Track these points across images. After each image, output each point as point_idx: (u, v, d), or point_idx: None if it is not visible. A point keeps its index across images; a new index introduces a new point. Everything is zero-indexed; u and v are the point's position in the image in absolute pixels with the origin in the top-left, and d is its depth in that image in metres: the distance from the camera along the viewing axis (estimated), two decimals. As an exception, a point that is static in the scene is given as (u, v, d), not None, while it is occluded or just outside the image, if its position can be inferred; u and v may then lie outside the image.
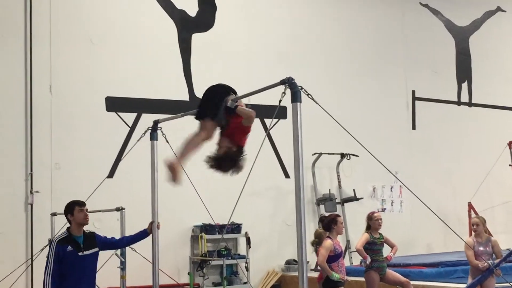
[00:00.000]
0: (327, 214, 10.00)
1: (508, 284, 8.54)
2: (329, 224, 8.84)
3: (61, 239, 6.89)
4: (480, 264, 8.71)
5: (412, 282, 10.55)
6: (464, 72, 16.13)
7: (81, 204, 7.03)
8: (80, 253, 6.87)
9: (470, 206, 14.60)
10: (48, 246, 7.39)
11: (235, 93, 6.05)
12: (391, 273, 9.50)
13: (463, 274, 10.47)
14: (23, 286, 10.72)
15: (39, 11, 11.40)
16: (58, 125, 11.42)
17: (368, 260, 9.15)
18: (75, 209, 6.96)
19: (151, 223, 7.57)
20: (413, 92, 15.22)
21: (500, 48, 16.71)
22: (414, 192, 6.44)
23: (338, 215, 9.07)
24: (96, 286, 7.23)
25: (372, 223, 9.44)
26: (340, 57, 14.34)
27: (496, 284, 9.01)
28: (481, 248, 8.86)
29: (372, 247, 9.29)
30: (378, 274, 9.28)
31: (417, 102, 15.23)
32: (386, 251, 9.51)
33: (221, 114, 5.85)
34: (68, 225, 7.13)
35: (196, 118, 6.06)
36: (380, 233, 9.48)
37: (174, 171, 5.66)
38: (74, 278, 6.80)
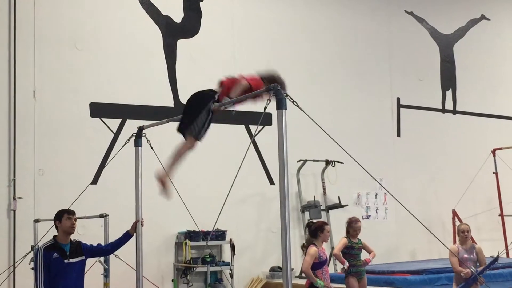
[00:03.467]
0: (315, 220, 10.03)
1: (492, 291, 8.59)
2: (315, 231, 8.85)
3: (47, 246, 6.89)
4: (463, 272, 8.73)
5: (396, 290, 10.61)
6: (448, 79, 16.20)
7: (70, 212, 7.04)
8: (66, 261, 6.86)
9: (454, 213, 14.65)
10: (31, 253, 7.35)
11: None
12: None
13: (447, 282, 10.51)
14: (5, 293, 10.65)
15: (23, 16, 11.33)
16: (42, 131, 11.35)
17: (346, 264, 9.23)
18: (63, 216, 6.97)
19: (135, 223, 7.55)
20: (398, 99, 15.26)
21: (484, 56, 16.80)
22: (399, 199, 6.45)
23: (325, 223, 9.10)
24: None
25: (352, 229, 9.51)
26: (326, 64, 14.35)
27: (480, 292, 9.05)
28: (466, 255, 8.89)
29: (350, 251, 9.39)
30: (356, 278, 9.35)
31: (402, 109, 15.28)
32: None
33: (201, 131, 5.95)
34: (54, 233, 7.12)
35: (177, 131, 6.18)
36: (358, 239, 9.57)
37: (164, 184, 5.78)
38: (61, 285, 6.77)
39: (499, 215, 15.08)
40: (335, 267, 12.62)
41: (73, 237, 7.17)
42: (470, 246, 9.08)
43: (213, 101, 6.13)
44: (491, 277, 10.67)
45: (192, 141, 6.15)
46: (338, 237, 12.52)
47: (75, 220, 7.02)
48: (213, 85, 12.73)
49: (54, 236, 7.03)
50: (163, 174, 5.88)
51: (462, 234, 9.11)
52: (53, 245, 6.88)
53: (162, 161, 7.28)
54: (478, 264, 8.98)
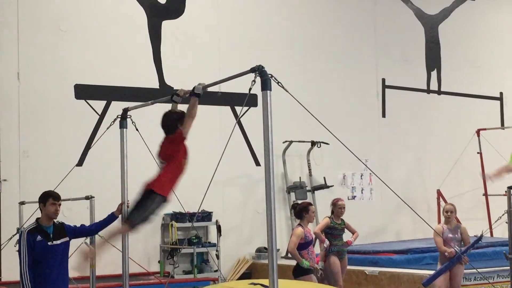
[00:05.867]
0: (300, 201, 10.07)
1: (475, 270, 8.67)
2: (300, 212, 8.91)
3: (30, 229, 6.87)
4: (447, 251, 8.80)
5: (381, 269, 10.71)
6: (433, 60, 16.23)
7: (55, 197, 6.99)
8: (49, 243, 6.85)
9: (439, 194, 14.74)
10: (17, 236, 7.33)
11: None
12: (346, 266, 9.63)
13: (431, 261, 10.60)
14: (-9, 275, 10.64)
15: (6, -3, 11.25)
16: (26, 113, 11.29)
17: (326, 243, 9.32)
18: (48, 200, 6.94)
19: (121, 205, 7.55)
20: (383, 80, 15.29)
21: (469, 36, 16.82)
22: (384, 180, 6.48)
23: (310, 204, 9.15)
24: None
25: (336, 210, 9.61)
26: (311, 45, 14.34)
27: (465, 271, 9.13)
28: (450, 235, 8.96)
29: (333, 231, 9.47)
30: (337, 258, 9.42)
31: (387, 90, 15.31)
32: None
33: (141, 222, 6.03)
34: (38, 215, 7.10)
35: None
36: (342, 219, 9.65)
37: (88, 259, 6.06)
38: (45, 268, 6.78)
39: (483, 195, 15.18)
40: (320, 248, 12.68)
41: (58, 218, 7.15)
42: (455, 225, 9.14)
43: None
44: (475, 256, 10.76)
45: (127, 228, 6.33)
46: (323, 217, 12.62)
47: (59, 206, 6.99)
48: (198, 67, 12.74)
49: (37, 219, 7.01)
50: (90, 251, 6.19)
51: (446, 214, 9.18)
52: (36, 228, 6.87)
53: (147, 142, 7.28)
54: (462, 243, 9.05)
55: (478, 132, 15.10)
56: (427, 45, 16.19)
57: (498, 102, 17.09)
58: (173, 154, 6.21)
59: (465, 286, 9.68)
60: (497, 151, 14.30)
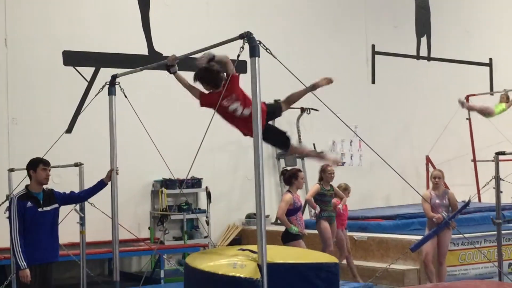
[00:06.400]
0: (289, 168, 10.12)
1: (462, 236, 8.75)
2: (289, 179, 8.95)
3: (20, 195, 6.87)
4: (434, 217, 8.87)
5: (370, 235, 10.80)
6: (423, 26, 16.19)
7: (46, 163, 6.99)
8: (40, 209, 6.86)
9: (428, 160, 14.81)
10: (6, 203, 7.35)
11: None
12: (339, 232, 9.73)
13: (420, 226, 10.68)
14: (-19, 242, 10.66)
15: (-7, -38, 11.11)
16: (14, 80, 11.23)
17: (317, 209, 9.39)
18: (39, 166, 6.92)
19: (110, 171, 7.56)
20: (373, 46, 15.25)
21: (458, 2, 16.77)
22: (373, 146, 6.50)
23: (299, 170, 9.20)
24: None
25: (325, 176, 9.66)
26: (300, 11, 14.27)
27: (452, 236, 9.22)
28: (438, 201, 9.01)
29: (323, 198, 9.54)
30: (328, 222, 9.50)
31: (376, 56, 15.28)
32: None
33: None
34: (27, 182, 7.09)
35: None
36: (331, 185, 9.69)
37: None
38: (35, 234, 6.79)
39: (471, 161, 15.27)
40: (310, 214, 12.76)
41: (48, 187, 7.16)
42: (443, 191, 9.20)
43: None
44: (463, 221, 10.87)
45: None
46: (312, 184, 12.66)
47: (49, 171, 6.99)
48: (187, 32, 12.65)
49: (27, 185, 7.01)
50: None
51: (434, 180, 9.22)
52: (26, 195, 6.87)
53: (136, 109, 7.27)
54: (450, 209, 9.12)
55: (467, 98, 15.11)
56: (417, 10, 16.13)
57: (488, 68, 17.09)
58: (243, 95, 6.04)
59: (452, 251, 9.79)
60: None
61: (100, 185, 7.51)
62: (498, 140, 14.57)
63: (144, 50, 12.39)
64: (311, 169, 12.86)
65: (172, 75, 6.39)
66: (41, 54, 11.48)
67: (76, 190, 7.71)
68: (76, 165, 8.44)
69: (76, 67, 11.79)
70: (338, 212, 9.71)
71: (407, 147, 15.39)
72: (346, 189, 10.13)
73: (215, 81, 6.02)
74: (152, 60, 10.74)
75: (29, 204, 6.82)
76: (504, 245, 9.35)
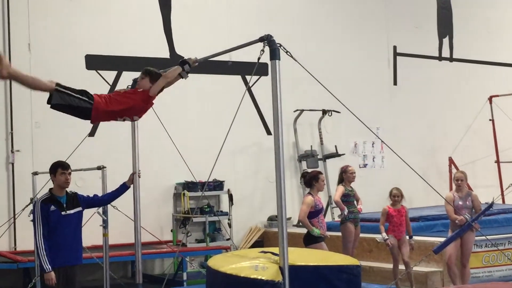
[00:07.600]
0: (309, 170, 10.08)
1: (485, 237, 8.68)
2: (310, 181, 8.91)
3: (44, 199, 6.91)
4: (457, 219, 8.80)
5: (392, 237, 10.70)
6: (445, 26, 16.10)
7: (64, 167, 7.01)
8: (63, 213, 6.90)
9: (451, 161, 14.73)
10: (30, 206, 7.40)
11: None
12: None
13: (443, 228, 10.62)
14: (5, 245, 10.76)
15: (16, -32, 11.22)
16: (38, 84, 11.30)
17: (346, 211, 9.31)
18: (57, 171, 6.96)
19: (132, 175, 7.61)
20: (395, 47, 15.20)
21: (481, 2, 16.66)
22: (395, 148, 6.49)
23: (320, 172, 9.15)
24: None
25: (347, 176, 9.60)
26: (321, 13, 14.25)
27: (476, 238, 9.15)
28: (461, 203, 8.94)
29: (348, 199, 9.47)
30: (353, 225, 9.44)
31: (398, 57, 15.22)
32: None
33: None
34: (50, 186, 7.15)
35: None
36: (351, 186, 9.64)
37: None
38: (59, 237, 6.83)
39: (495, 162, 15.17)
40: (332, 216, 12.74)
41: (71, 188, 7.20)
42: (466, 193, 9.12)
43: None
44: (486, 223, 10.78)
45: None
46: (334, 186, 12.64)
47: (70, 174, 7.01)
48: (208, 35, 12.71)
49: (50, 189, 7.06)
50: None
51: (457, 182, 9.15)
52: (50, 198, 6.91)
53: (157, 112, 7.28)
54: (473, 211, 9.05)
55: (490, 98, 15.02)
56: (439, 11, 16.05)
57: (511, 68, 16.96)
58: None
59: (475, 253, 9.71)
60: (510, 118, 14.26)
61: (123, 189, 7.55)
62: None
63: (165, 53, 12.45)
64: (332, 171, 12.85)
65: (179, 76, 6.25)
66: (64, 58, 11.57)
67: (99, 193, 7.75)
68: (99, 168, 8.49)
69: (99, 71, 11.87)
70: (396, 220, 9.46)
71: (429, 148, 15.30)
72: (400, 195, 9.69)
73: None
74: (174, 63, 10.75)
75: (52, 207, 6.86)
76: (528, 247, 9.28)
